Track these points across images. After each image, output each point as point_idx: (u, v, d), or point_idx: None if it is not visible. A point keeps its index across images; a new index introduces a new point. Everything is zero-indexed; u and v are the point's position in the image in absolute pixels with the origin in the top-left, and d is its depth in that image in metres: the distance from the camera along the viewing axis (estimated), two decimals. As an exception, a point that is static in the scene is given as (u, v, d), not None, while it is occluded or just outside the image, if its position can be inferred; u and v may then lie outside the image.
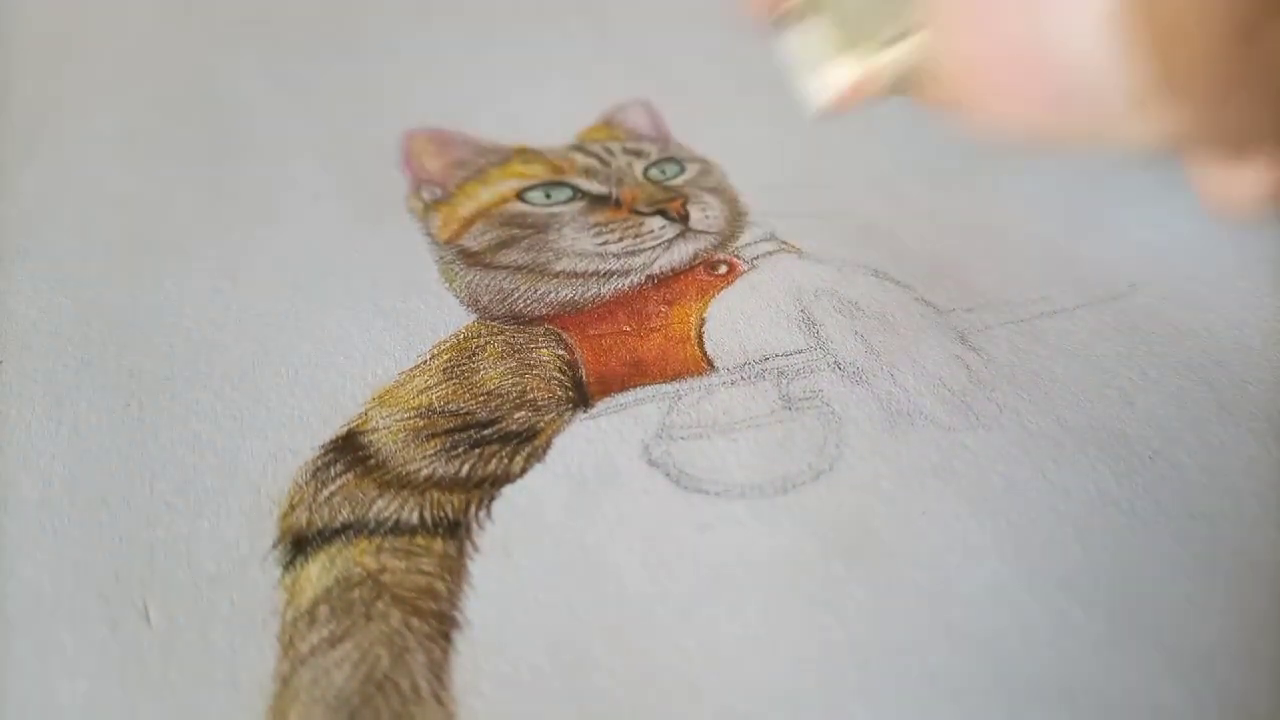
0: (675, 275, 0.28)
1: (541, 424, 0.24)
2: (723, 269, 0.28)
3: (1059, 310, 0.26)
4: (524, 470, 0.23)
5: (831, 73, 0.24)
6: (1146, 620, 0.19)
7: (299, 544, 0.21)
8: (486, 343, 0.26)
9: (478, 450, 0.23)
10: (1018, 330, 0.26)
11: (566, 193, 0.31)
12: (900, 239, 0.28)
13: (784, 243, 0.29)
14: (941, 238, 0.28)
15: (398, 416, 0.24)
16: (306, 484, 0.22)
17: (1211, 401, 0.23)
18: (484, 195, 0.31)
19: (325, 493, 0.22)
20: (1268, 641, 0.19)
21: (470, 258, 0.29)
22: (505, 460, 0.23)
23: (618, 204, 0.31)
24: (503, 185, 0.32)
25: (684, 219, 0.30)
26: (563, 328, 0.26)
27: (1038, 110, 0.22)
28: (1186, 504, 0.21)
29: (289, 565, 0.21)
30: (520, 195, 0.31)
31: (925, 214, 0.30)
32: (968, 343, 0.25)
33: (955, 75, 0.23)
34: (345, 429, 0.24)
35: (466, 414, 0.24)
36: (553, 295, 0.28)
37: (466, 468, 0.23)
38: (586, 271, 0.28)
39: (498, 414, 0.24)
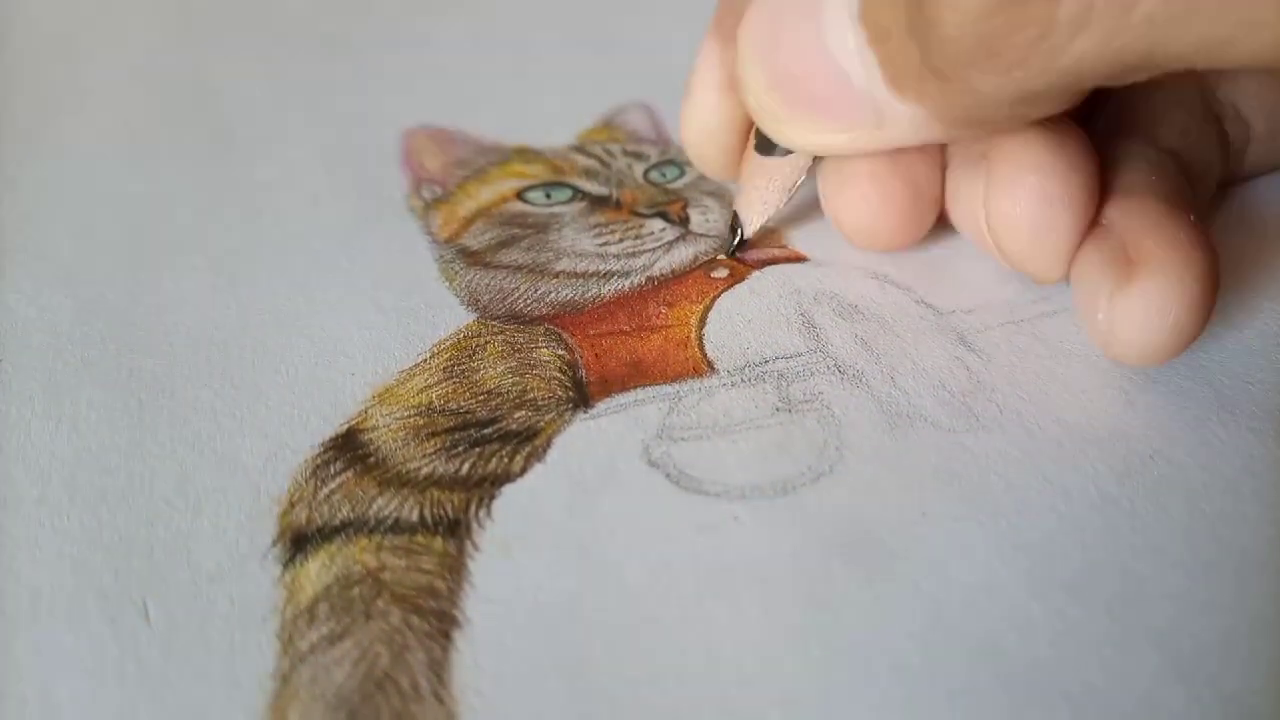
0: (676, 277, 0.28)
1: (542, 424, 0.24)
2: (723, 272, 0.28)
3: (1059, 310, 0.26)
4: (524, 470, 0.23)
5: None
6: (1147, 620, 0.19)
7: (298, 542, 0.21)
8: (486, 342, 0.26)
9: (478, 449, 0.23)
10: (1018, 330, 0.26)
11: (567, 193, 0.31)
12: (900, 240, 0.28)
13: (783, 246, 0.29)
14: (941, 238, 0.28)
15: (398, 415, 0.24)
16: (306, 482, 0.22)
17: (1212, 400, 0.23)
18: (484, 194, 0.31)
19: (325, 490, 0.22)
20: (1268, 641, 0.19)
21: (470, 257, 0.29)
22: (505, 459, 0.23)
23: (618, 205, 0.31)
24: (503, 184, 0.32)
25: (684, 222, 0.30)
26: (563, 328, 0.26)
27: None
28: (1187, 503, 0.21)
29: (288, 563, 0.21)
30: (520, 195, 0.31)
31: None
32: (968, 344, 0.25)
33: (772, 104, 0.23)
34: (345, 427, 0.24)
35: (466, 413, 0.24)
36: (553, 295, 0.28)
37: (466, 466, 0.23)
38: (587, 272, 0.28)
39: (498, 413, 0.24)
